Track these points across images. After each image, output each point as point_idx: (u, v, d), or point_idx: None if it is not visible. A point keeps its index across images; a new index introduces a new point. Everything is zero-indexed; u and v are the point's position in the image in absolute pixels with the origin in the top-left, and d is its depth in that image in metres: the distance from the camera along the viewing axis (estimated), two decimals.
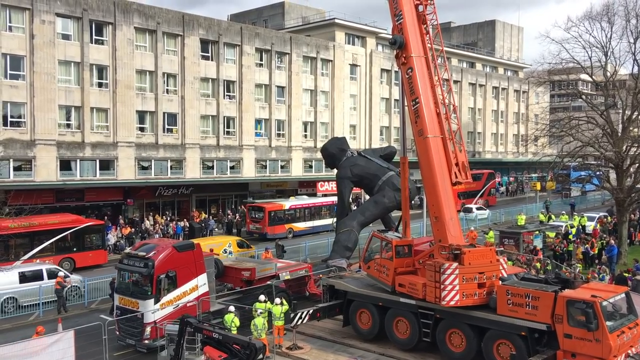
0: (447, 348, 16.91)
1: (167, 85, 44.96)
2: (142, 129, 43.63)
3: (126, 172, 42.16)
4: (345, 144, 32.46)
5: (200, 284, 20.45)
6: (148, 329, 19.00)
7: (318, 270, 26.42)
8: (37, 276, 25.82)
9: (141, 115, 43.59)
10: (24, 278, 25.51)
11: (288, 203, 45.04)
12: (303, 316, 19.01)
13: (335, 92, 57.39)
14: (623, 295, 15.61)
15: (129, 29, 41.90)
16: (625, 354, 14.72)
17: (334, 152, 31.53)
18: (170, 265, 19.49)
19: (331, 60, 56.84)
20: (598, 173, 35.55)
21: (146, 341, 19.13)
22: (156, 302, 19.17)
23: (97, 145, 40.81)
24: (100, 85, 41.25)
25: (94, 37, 40.60)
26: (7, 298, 24.68)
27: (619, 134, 32.43)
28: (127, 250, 22.19)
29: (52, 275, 25.84)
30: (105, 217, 39.80)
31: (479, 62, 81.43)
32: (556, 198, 58.89)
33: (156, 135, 44.14)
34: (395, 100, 62.73)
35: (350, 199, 38.41)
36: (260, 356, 14.01)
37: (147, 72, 43.70)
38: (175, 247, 20.12)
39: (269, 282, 23.11)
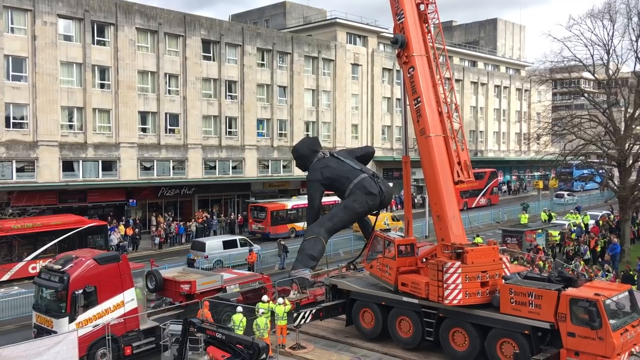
0: (450, 347, 16.90)
1: (169, 86, 45.00)
2: (144, 130, 43.67)
3: (128, 172, 42.22)
4: (317, 144, 30.11)
5: (127, 299, 18.78)
6: None
7: (280, 280, 24.40)
8: (233, 244, 33.84)
9: (143, 115, 43.64)
10: (226, 245, 33.44)
11: (290, 203, 45.04)
12: (306, 316, 19.02)
13: (337, 91, 57.38)
14: (626, 293, 15.58)
15: (130, 29, 41.94)
16: (629, 352, 14.71)
17: (305, 153, 29.01)
18: (89, 280, 17.85)
19: (333, 60, 56.84)
20: (601, 171, 35.50)
21: None
22: (71, 320, 17.51)
23: (99, 146, 40.87)
24: (102, 86, 41.32)
25: (95, 38, 40.66)
26: (217, 260, 31.83)
27: (622, 132, 32.36)
28: (46, 262, 20.07)
29: (243, 244, 33.99)
30: (108, 218, 39.90)
31: (480, 60, 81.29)
32: (561, 197, 58.61)
33: (158, 136, 44.19)
34: (397, 99, 62.63)
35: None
36: (264, 356, 14.06)
37: (149, 73, 43.74)
38: (96, 260, 18.40)
39: (218, 294, 21.73)
